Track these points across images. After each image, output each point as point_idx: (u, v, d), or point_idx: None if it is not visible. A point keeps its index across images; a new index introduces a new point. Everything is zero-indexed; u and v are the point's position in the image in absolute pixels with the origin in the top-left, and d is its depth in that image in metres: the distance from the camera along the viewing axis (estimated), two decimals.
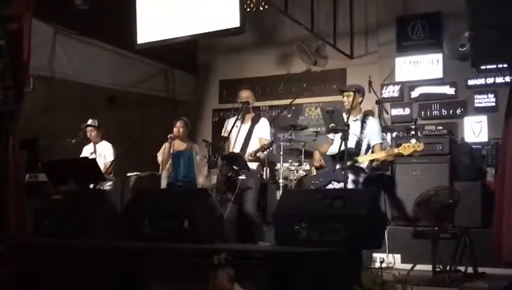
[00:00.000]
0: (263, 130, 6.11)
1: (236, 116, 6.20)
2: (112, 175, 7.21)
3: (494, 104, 7.66)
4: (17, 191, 5.90)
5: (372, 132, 5.80)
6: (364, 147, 5.74)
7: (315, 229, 3.90)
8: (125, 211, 4.83)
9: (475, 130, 7.69)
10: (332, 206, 3.97)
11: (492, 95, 7.68)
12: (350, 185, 5.55)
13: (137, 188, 7.71)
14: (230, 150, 6.11)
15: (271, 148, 6.09)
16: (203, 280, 3.28)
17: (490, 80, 7.69)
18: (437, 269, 5.11)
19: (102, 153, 7.23)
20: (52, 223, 4.81)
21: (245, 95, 6.14)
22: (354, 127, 5.69)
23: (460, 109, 7.90)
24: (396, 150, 5.67)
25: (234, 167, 5.92)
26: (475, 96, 7.81)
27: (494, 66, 7.12)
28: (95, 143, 7.30)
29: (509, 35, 4.74)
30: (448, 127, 7.25)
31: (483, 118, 7.69)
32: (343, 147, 5.35)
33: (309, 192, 5.16)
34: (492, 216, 5.11)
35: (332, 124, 5.38)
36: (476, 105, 7.81)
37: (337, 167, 5.56)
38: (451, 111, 7.95)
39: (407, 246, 5.89)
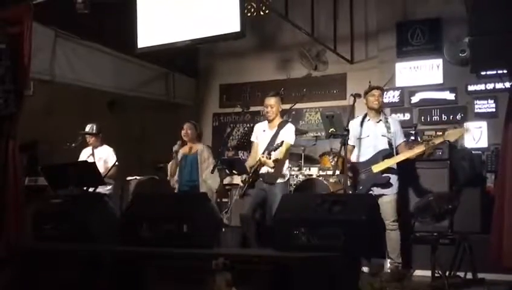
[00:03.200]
0: (288, 135, 6.03)
1: (264, 122, 6.24)
2: (111, 179, 7.19)
3: (494, 109, 7.65)
4: (17, 195, 5.90)
5: (397, 130, 5.77)
6: (394, 145, 5.71)
7: (314, 234, 3.90)
8: (125, 215, 4.83)
9: (475, 135, 7.68)
10: (331, 211, 3.97)
11: (492, 101, 7.68)
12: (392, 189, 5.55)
13: (137, 192, 7.69)
14: (258, 155, 6.03)
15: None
16: (202, 284, 3.28)
17: (490, 86, 7.69)
18: (436, 275, 5.10)
19: (103, 157, 7.20)
20: (52, 227, 4.81)
21: (269, 103, 6.10)
22: (380, 128, 5.70)
23: (460, 115, 7.89)
24: (439, 140, 5.54)
25: (234, 171, 5.93)
26: (475, 102, 7.81)
27: (494, 72, 7.12)
28: (94, 147, 7.27)
29: (508, 41, 4.74)
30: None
31: (483, 124, 7.68)
32: (345, 151, 5.33)
33: (308, 197, 5.15)
34: (492, 222, 5.10)
35: (332, 129, 5.39)
36: (476, 111, 7.80)
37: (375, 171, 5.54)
38: (451, 116, 7.93)
39: (407, 251, 5.88)
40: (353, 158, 5.80)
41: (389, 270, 5.53)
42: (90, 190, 5.93)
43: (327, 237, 3.83)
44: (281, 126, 6.10)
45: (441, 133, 5.64)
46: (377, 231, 4.23)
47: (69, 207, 5.07)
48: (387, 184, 5.55)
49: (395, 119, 6.04)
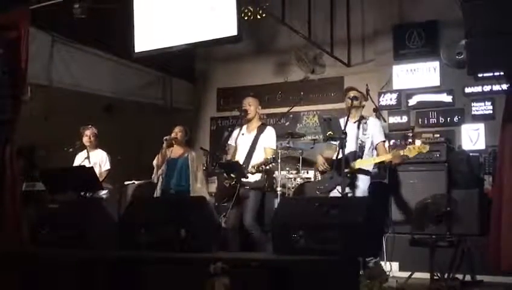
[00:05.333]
0: (268, 140, 6.06)
1: (241, 125, 6.24)
2: (108, 184, 7.19)
3: (491, 111, 7.66)
4: (14, 200, 5.90)
5: (374, 130, 5.76)
6: (367, 147, 5.70)
7: (312, 237, 3.89)
8: (123, 220, 4.82)
9: (472, 137, 7.69)
10: (329, 214, 3.97)
11: (490, 103, 7.69)
12: (359, 190, 5.57)
13: (134, 196, 7.68)
14: (236, 158, 6.09)
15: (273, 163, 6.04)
16: (200, 288, 3.27)
17: (487, 88, 7.70)
18: (435, 277, 5.10)
19: (97, 161, 7.19)
20: (49, 232, 4.80)
21: (247, 101, 6.15)
22: (354, 129, 5.70)
23: (457, 117, 7.90)
24: (402, 152, 5.58)
25: (232, 175, 5.92)
26: (472, 104, 7.82)
27: (491, 74, 7.13)
28: (90, 151, 7.27)
29: (505, 43, 4.76)
30: (445, 135, 7.26)
31: (481, 126, 7.69)
32: (343, 154, 5.34)
33: (306, 201, 5.15)
34: (490, 224, 5.11)
35: (330, 132, 5.39)
36: (473, 113, 7.81)
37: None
38: (448, 119, 7.95)
39: (405, 254, 5.89)
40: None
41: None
42: (88, 194, 5.92)
43: (325, 240, 3.83)
44: (260, 130, 6.11)
45: (410, 142, 5.73)
46: (375, 232, 4.22)
47: (67, 212, 5.06)
48: (352, 185, 5.54)
49: (375, 120, 6.02)
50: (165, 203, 4.94)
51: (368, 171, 5.68)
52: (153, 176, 6.90)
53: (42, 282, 3.91)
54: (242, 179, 5.83)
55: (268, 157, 5.84)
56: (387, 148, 6.02)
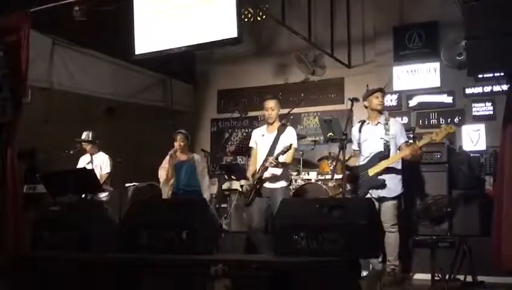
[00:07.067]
0: (290, 138, 6.02)
1: (261, 127, 6.25)
2: (108, 186, 7.19)
3: (491, 112, 7.67)
4: (16, 203, 5.90)
5: (398, 131, 5.74)
6: (392, 148, 5.67)
7: (314, 238, 3.89)
8: (123, 222, 4.82)
9: (473, 138, 7.69)
10: (330, 215, 3.96)
11: (490, 104, 7.69)
12: (390, 190, 5.53)
13: (135, 198, 7.68)
14: (257, 159, 6.06)
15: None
16: None
17: (487, 89, 7.70)
18: (436, 278, 5.09)
19: (99, 164, 7.21)
20: (50, 235, 4.79)
21: (270, 106, 6.11)
22: (378, 130, 5.69)
23: (458, 118, 7.91)
24: (428, 137, 5.54)
25: (232, 176, 5.92)
26: (473, 105, 7.82)
27: (491, 75, 7.12)
28: (92, 154, 7.28)
29: (505, 43, 4.75)
30: (446, 136, 7.25)
31: (481, 127, 7.69)
32: (343, 155, 5.33)
33: (307, 202, 5.15)
34: (491, 224, 5.10)
35: (330, 133, 5.39)
36: (473, 113, 7.82)
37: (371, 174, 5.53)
38: (449, 120, 7.94)
39: (406, 254, 5.87)
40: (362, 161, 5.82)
41: (387, 274, 5.53)
42: (89, 196, 5.92)
43: (326, 241, 3.83)
44: (280, 130, 6.09)
45: (431, 132, 5.61)
46: (377, 233, 4.22)
47: (68, 214, 5.07)
48: (383, 186, 5.53)
49: (396, 121, 6.04)
50: (166, 206, 4.94)
51: (397, 169, 5.63)
52: (162, 185, 6.92)
53: (43, 285, 3.91)
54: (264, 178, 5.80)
55: (286, 146, 5.76)
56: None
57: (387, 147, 5.63)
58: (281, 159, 5.78)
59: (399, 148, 5.69)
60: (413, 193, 6.30)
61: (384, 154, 5.59)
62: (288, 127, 6.24)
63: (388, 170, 5.56)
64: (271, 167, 5.81)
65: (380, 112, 5.83)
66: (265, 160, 5.84)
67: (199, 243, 4.12)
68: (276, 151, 5.91)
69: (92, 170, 6.57)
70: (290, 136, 6.03)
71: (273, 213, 5.66)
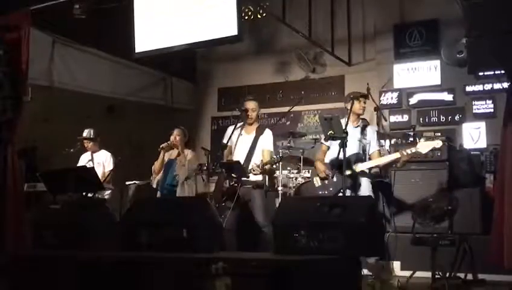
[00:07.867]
0: (267, 142, 6.12)
1: (236, 124, 6.22)
2: (110, 184, 7.20)
3: (492, 110, 7.67)
4: (16, 201, 5.89)
5: (373, 138, 5.88)
6: (367, 151, 5.82)
7: (314, 237, 3.89)
8: (124, 221, 4.82)
9: (473, 136, 7.69)
10: (331, 214, 3.97)
11: (491, 101, 7.69)
12: (362, 192, 5.60)
13: (136, 197, 7.69)
14: (232, 158, 6.10)
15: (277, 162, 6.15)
16: (201, 289, 3.27)
17: (488, 86, 7.71)
18: (436, 276, 5.09)
19: (101, 162, 7.22)
20: (51, 234, 4.80)
21: (250, 106, 6.13)
22: (356, 133, 5.77)
23: (458, 116, 7.91)
24: (412, 149, 5.56)
25: (233, 175, 5.91)
26: (473, 103, 7.83)
27: (492, 73, 7.13)
28: (93, 152, 7.29)
29: (505, 41, 4.75)
30: (446, 134, 7.25)
31: (482, 124, 7.70)
32: (344, 154, 5.33)
33: (308, 200, 5.14)
34: (492, 223, 5.10)
35: (331, 132, 5.38)
36: (474, 111, 7.82)
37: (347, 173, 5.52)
38: (449, 117, 7.95)
39: (407, 253, 5.88)
40: (326, 159, 5.92)
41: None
42: (89, 195, 5.92)
43: (327, 239, 3.83)
44: (259, 131, 6.15)
45: (419, 141, 5.68)
46: (377, 232, 4.22)
47: (68, 213, 5.07)
48: (355, 188, 5.59)
49: (372, 128, 6.12)
50: (167, 204, 4.94)
51: (370, 174, 5.75)
52: (152, 181, 6.94)
53: (43, 283, 3.91)
54: (243, 178, 5.83)
55: (274, 158, 5.93)
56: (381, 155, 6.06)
57: (363, 150, 5.74)
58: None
59: (370, 156, 5.81)
60: (413, 190, 6.31)
61: (359, 157, 5.69)
62: (266, 129, 6.27)
63: (363, 173, 5.68)
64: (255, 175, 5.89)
65: (359, 116, 5.93)
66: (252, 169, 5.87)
67: (200, 241, 4.13)
68: (255, 154, 6.01)
69: (93, 168, 6.56)
70: (266, 140, 6.12)
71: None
